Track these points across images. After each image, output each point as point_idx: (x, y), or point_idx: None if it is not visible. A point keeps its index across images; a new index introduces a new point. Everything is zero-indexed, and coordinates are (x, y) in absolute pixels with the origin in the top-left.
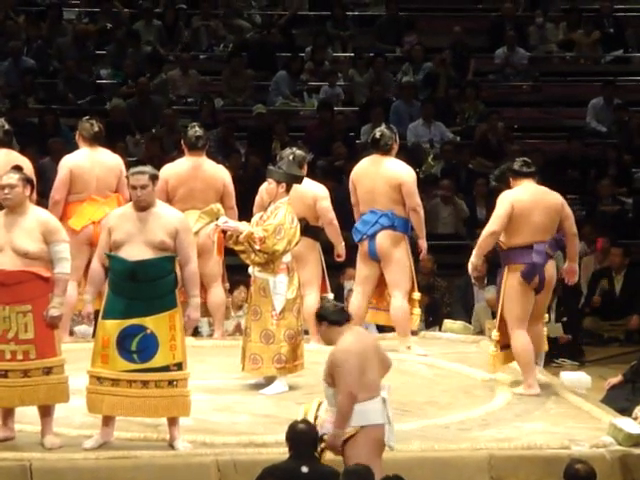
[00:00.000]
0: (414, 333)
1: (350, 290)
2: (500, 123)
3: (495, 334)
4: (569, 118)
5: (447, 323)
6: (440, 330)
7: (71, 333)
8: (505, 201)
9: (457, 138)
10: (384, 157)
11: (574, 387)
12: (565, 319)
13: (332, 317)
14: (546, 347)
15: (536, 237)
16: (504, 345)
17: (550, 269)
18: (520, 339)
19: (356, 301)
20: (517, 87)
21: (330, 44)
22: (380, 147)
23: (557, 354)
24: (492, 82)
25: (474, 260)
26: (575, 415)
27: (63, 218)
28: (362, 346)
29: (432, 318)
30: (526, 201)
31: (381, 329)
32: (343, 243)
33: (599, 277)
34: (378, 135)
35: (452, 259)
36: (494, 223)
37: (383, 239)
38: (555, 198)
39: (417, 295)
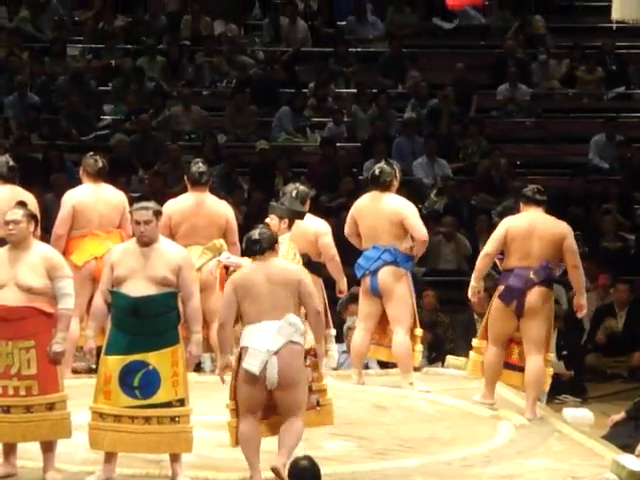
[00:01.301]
0: (417, 369)
1: (349, 328)
2: (502, 159)
3: (476, 341)
4: (572, 154)
5: (450, 359)
6: (443, 366)
7: (73, 370)
8: (502, 225)
9: (453, 177)
10: (384, 193)
11: (577, 424)
12: (565, 353)
13: (244, 246)
14: (545, 388)
15: (524, 262)
16: None
17: (533, 296)
18: (489, 353)
19: (358, 337)
20: (520, 123)
21: (333, 80)
22: (380, 183)
23: (560, 390)
24: (495, 118)
25: (473, 283)
26: (578, 452)
27: (65, 253)
28: (247, 278)
29: (435, 354)
30: (522, 227)
31: (384, 365)
32: (345, 279)
33: (602, 314)
34: (377, 172)
35: (454, 295)
36: (488, 245)
37: (385, 275)
38: (558, 228)
39: (419, 331)
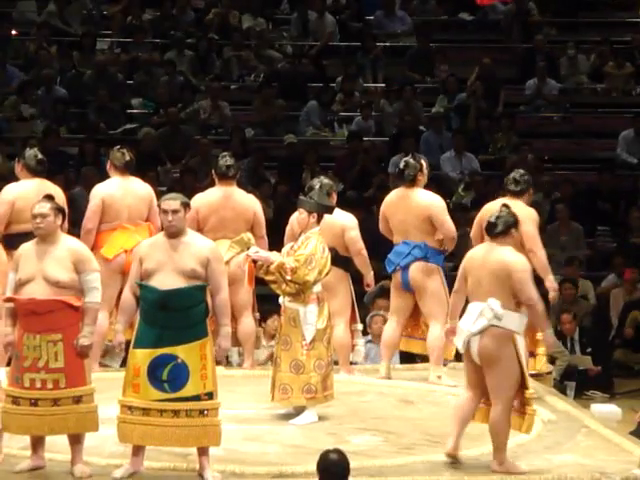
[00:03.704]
0: (444, 364)
1: (374, 315)
2: (530, 154)
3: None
4: (600, 150)
5: None
6: None
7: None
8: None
9: (480, 172)
10: (411, 189)
11: (605, 419)
12: (590, 349)
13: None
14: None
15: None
16: None
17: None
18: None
19: (390, 329)
20: (548, 118)
21: (361, 74)
22: (405, 178)
23: (587, 386)
24: (522, 113)
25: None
26: (606, 447)
27: (95, 247)
28: (472, 257)
29: None
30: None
31: (408, 360)
32: (372, 273)
33: (631, 308)
34: (402, 165)
35: None
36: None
37: (416, 271)
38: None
39: None
